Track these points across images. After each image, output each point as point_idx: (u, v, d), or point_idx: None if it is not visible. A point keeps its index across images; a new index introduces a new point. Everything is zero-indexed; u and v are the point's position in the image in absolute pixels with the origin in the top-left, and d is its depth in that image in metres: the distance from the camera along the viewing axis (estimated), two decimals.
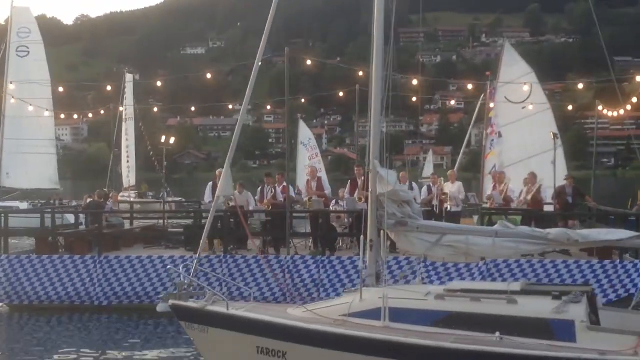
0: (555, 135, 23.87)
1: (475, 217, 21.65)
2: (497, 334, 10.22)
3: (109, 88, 44.72)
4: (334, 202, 21.54)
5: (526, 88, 26.87)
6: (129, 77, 49.75)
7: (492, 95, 28.87)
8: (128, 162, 48.52)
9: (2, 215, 20.68)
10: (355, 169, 22.26)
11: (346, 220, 20.83)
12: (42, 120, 43.51)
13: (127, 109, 47.17)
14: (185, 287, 12.32)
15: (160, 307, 12.22)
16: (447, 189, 21.47)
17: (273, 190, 21.16)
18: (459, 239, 12.16)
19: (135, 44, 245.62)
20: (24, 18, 46.19)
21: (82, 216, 23.42)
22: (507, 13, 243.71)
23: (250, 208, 20.84)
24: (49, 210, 24.83)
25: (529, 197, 20.80)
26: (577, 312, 10.36)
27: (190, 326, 12.30)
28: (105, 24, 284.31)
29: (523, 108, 26.77)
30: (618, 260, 18.32)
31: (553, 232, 12.31)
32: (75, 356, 14.60)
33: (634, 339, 9.98)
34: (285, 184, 20.91)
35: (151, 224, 23.59)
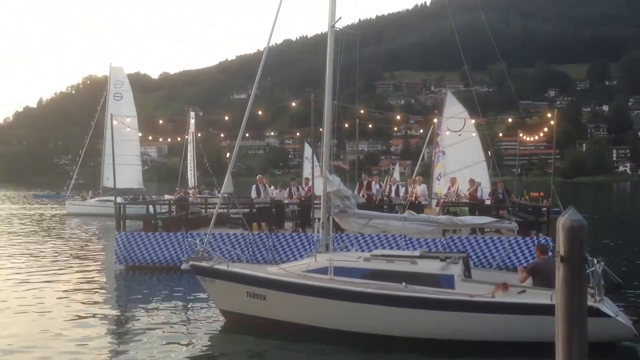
0: (490, 154, 24.25)
1: (437, 208, 21.17)
2: (404, 283, 10.75)
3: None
4: None
5: (465, 120, 26.79)
6: (192, 115, 50.62)
7: (439, 126, 28.75)
8: (191, 170, 49.23)
9: (122, 205, 21.06)
10: (362, 175, 22.45)
11: None
12: (131, 142, 44.85)
13: (190, 135, 47.74)
14: (201, 253, 12.72)
15: (184, 266, 12.66)
16: (417, 190, 21.34)
17: (299, 189, 21.18)
18: (380, 222, 12.85)
19: (200, 91, 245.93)
20: (119, 74, 48.01)
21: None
22: (448, 71, 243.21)
23: (285, 201, 20.83)
24: (151, 202, 25.04)
25: (468, 194, 20.74)
26: (456, 269, 11.01)
27: (203, 279, 12.57)
28: (179, 77, 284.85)
29: (459, 135, 26.66)
30: (535, 237, 18.07)
31: (442, 218, 13.40)
32: (169, 301, 14.61)
33: (491, 287, 10.67)
34: (310, 185, 21.13)
35: (219, 211, 23.46)
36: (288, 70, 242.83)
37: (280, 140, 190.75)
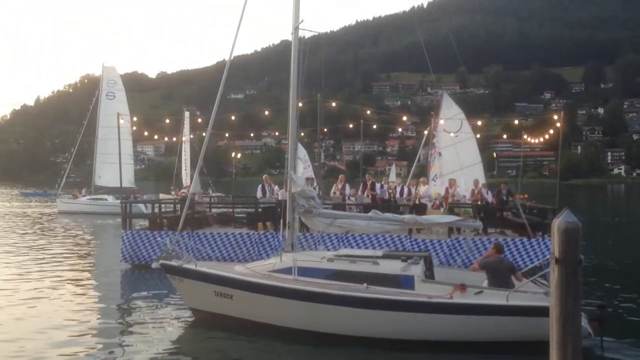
0: (496, 156, 24.13)
1: (442, 209, 20.87)
2: (365, 284, 10.71)
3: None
4: (347, 197, 21.08)
5: (463, 123, 26.69)
6: (186, 114, 50.79)
7: (435, 127, 28.73)
8: (185, 169, 49.55)
9: (128, 204, 20.94)
10: (366, 175, 22.42)
11: (356, 209, 20.75)
12: (123, 142, 44.51)
13: (185, 135, 48.01)
14: (170, 252, 12.75)
15: (154, 265, 12.75)
16: (420, 190, 21.13)
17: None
18: (345, 221, 12.90)
19: (197, 91, 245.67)
20: (112, 73, 48.17)
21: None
22: (445, 73, 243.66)
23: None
24: (157, 201, 24.81)
25: (476, 195, 20.65)
26: (416, 270, 10.95)
27: (172, 277, 12.64)
28: (176, 77, 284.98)
29: (456, 136, 26.63)
30: (541, 239, 17.83)
31: (406, 217, 13.36)
32: (175, 298, 14.45)
33: (450, 288, 10.58)
34: (315, 185, 21.06)
35: (224, 211, 23.21)
36: (285, 70, 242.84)
37: (277, 140, 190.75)
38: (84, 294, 15.26)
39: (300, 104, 13.78)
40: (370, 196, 20.64)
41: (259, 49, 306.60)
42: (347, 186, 21.34)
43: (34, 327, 11.87)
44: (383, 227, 12.80)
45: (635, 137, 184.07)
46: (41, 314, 12.99)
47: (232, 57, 14.84)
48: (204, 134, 50.02)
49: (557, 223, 5.99)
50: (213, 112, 14.53)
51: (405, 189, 21.60)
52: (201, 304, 12.27)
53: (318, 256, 11.93)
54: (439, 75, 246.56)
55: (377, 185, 21.45)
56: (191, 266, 12.22)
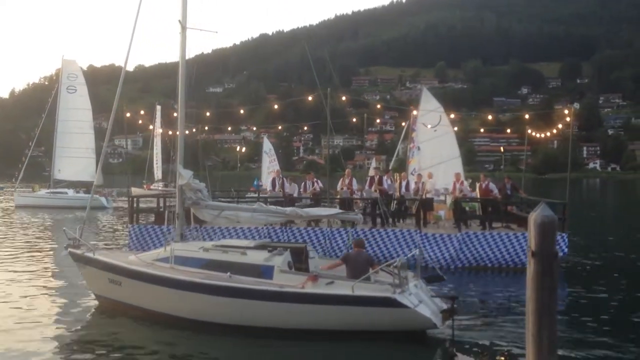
0: (503, 151, 24.23)
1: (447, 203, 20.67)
2: (228, 273, 11.14)
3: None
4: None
5: (440, 116, 26.70)
6: (158, 108, 50.20)
7: (414, 121, 28.78)
8: (156, 163, 49.05)
9: (135, 199, 21.08)
10: (373, 170, 22.23)
11: (361, 204, 20.47)
12: (85, 135, 44.62)
13: (157, 129, 47.81)
14: (76, 241, 13.45)
15: (63, 253, 13.62)
16: (427, 185, 21.10)
17: (313, 184, 21.08)
18: (231, 213, 13.26)
19: (175, 84, 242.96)
20: (72, 67, 46.93)
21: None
22: (423, 68, 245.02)
23: (295, 195, 20.59)
24: (162, 196, 24.23)
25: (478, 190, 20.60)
26: (277, 261, 11.24)
27: (78, 264, 13.42)
28: (154, 70, 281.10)
29: (435, 131, 26.69)
30: None
31: (288, 210, 13.70)
32: None
33: (304, 278, 10.89)
34: (316, 179, 21.21)
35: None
36: (264, 64, 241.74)
37: (256, 134, 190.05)
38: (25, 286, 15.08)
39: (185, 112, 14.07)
40: (378, 190, 20.46)
41: (237, 42, 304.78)
42: (354, 181, 21.18)
43: None
44: (267, 219, 13.42)
45: (610, 132, 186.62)
46: None
47: (126, 66, 15.21)
48: (177, 133, 49.98)
49: (533, 216, 6.04)
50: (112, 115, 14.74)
51: (412, 184, 21.38)
52: (99, 290, 13.06)
53: (197, 246, 12.36)
54: (418, 69, 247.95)
55: (384, 180, 21.19)
56: (89, 254, 12.89)
